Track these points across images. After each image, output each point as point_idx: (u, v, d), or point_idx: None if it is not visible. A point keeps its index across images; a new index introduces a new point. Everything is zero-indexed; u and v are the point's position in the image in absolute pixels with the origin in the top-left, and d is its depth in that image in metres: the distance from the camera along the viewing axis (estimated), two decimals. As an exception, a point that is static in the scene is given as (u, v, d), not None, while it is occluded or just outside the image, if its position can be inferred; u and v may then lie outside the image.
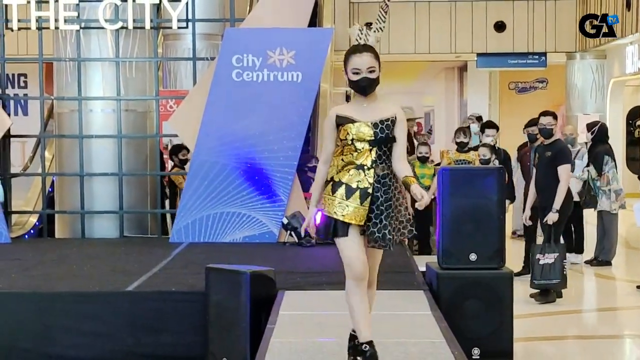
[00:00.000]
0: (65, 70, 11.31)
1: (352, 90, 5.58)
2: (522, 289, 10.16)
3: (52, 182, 12.08)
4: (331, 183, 5.47)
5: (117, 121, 11.16)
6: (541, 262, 9.89)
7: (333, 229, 5.43)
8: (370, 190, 5.42)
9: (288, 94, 10.45)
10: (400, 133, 5.48)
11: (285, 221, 10.40)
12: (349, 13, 20.70)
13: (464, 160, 12.18)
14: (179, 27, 11.24)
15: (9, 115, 11.44)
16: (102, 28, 11.03)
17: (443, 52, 21.94)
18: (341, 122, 5.47)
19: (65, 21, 11.00)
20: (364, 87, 5.45)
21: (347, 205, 5.41)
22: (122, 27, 11.02)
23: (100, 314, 7.42)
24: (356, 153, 5.44)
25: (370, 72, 5.41)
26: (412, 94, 25.80)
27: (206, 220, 10.53)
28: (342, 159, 5.47)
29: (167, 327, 7.38)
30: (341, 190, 5.43)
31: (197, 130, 10.52)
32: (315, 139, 13.51)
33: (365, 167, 5.42)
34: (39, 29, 11.10)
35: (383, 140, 5.42)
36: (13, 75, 22.20)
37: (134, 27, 11.06)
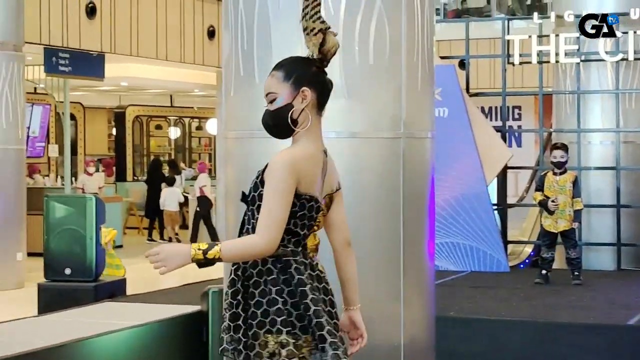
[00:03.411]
0: (565, 102, 11.44)
1: None
2: None
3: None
4: None
5: (615, 153, 11.07)
6: None
7: None
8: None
9: None
10: (264, 192, 3.53)
11: None
12: None
13: None
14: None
15: (505, 147, 11.79)
16: (602, 60, 11.03)
17: None
18: None
19: (566, 54, 11.14)
20: (264, 126, 3.68)
21: None
22: (623, 59, 10.95)
23: (599, 347, 7.38)
24: None
25: (270, 101, 3.63)
26: None
27: None
28: None
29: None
30: None
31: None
32: None
33: None
34: (540, 62, 11.34)
35: (248, 201, 3.65)
36: (507, 107, 22.75)
37: (635, 59, 10.94)
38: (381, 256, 5.02)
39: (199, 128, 26.91)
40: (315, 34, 3.65)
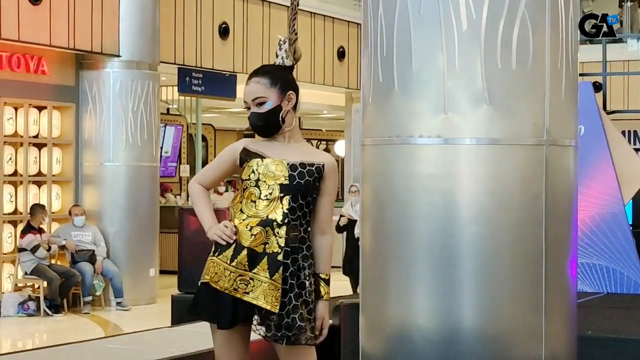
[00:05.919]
0: None
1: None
2: None
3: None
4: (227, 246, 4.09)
5: None
6: None
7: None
8: (280, 257, 4.00)
9: None
10: (329, 189, 4.14)
11: None
12: None
13: None
14: None
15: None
16: None
17: None
18: (247, 157, 4.15)
19: None
20: (254, 126, 4.17)
21: (252, 279, 4.02)
22: None
23: None
24: (261, 201, 4.05)
25: (258, 105, 4.14)
26: None
27: None
28: (242, 210, 4.12)
29: None
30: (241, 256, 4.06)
31: None
32: None
33: (275, 224, 4.02)
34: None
35: (302, 189, 4.07)
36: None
37: None
38: (522, 266, 4.88)
39: (326, 150, 27.03)
40: (292, 44, 4.31)
